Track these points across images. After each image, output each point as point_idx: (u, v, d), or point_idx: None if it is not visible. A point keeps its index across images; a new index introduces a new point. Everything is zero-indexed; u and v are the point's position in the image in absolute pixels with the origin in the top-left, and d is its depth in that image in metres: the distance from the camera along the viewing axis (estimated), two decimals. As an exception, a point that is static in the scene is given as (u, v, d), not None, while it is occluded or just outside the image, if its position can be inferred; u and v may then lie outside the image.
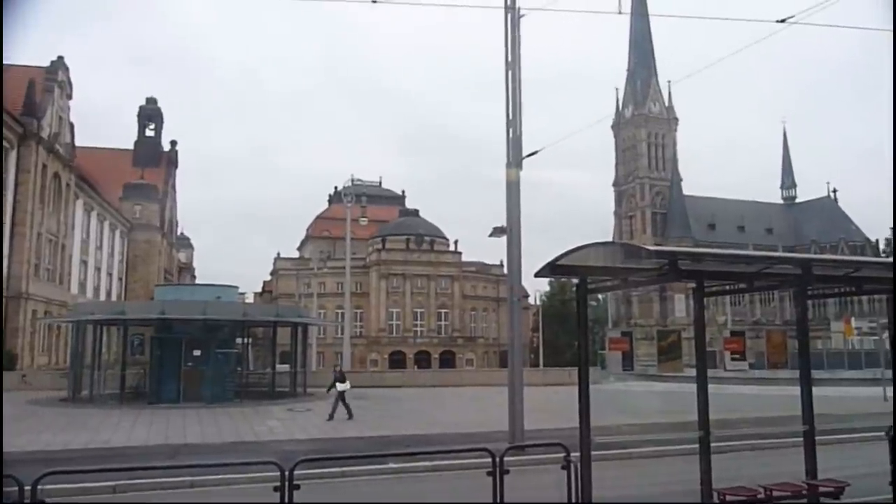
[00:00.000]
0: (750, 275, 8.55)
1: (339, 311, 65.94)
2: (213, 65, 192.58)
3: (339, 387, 21.51)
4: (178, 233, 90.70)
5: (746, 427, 14.83)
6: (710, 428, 7.64)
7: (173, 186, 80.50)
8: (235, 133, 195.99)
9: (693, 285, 8.01)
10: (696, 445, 7.72)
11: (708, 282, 8.33)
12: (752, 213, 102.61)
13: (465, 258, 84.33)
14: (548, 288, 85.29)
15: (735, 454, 11.69)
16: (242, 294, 42.24)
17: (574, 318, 10.27)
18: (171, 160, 79.59)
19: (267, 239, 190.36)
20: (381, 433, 17.81)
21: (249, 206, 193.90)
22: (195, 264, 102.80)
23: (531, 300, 77.55)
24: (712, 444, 7.70)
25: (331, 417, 20.69)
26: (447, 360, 78.71)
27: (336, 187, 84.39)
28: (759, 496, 7.80)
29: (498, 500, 7.45)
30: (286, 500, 6.74)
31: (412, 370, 64.82)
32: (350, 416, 20.86)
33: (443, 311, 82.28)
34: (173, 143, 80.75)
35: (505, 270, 23.96)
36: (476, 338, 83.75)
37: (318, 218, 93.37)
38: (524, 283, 28.16)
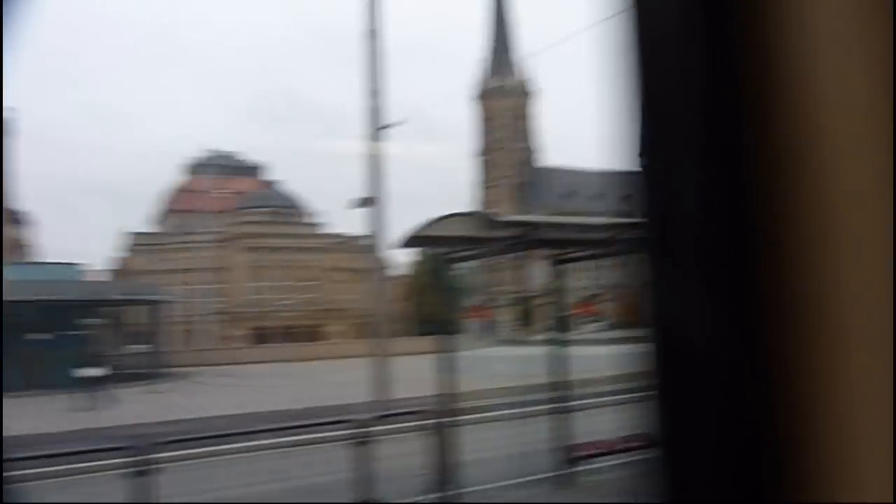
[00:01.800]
0: (602, 241, 8.96)
1: (202, 286, 63.93)
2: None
3: (89, 372, 20.05)
4: (17, 209, 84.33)
5: (602, 385, 15.64)
6: (567, 388, 8.03)
7: (11, 158, 74.83)
8: (64, 100, 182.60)
9: (549, 253, 8.35)
10: (556, 405, 8.09)
11: (562, 249, 8.68)
12: (611, 182, 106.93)
13: (329, 230, 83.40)
14: (416, 258, 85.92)
15: (596, 411, 12.29)
16: (98, 272, 40.14)
17: (442, 288, 10.47)
18: (7, 130, 73.94)
19: (114, 213, 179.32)
20: (247, 410, 17.54)
21: (92, 180, 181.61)
22: (39, 242, 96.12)
23: (399, 270, 77.94)
24: (571, 403, 8.09)
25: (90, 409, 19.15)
26: (314, 333, 77.94)
27: (192, 159, 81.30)
28: (616, 448, 8.25)
29: (365, 469, 7.56)
30: (148, 483, 6.55)
31: (278, 345, 63.87)
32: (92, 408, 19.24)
33: (308, 283, 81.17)
34: (9, 110, 74.93)
35: (370, 242, 23.95)
36: (343, 309, 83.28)
37: (175, 191, 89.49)
38: (391, 253, 28.26)
